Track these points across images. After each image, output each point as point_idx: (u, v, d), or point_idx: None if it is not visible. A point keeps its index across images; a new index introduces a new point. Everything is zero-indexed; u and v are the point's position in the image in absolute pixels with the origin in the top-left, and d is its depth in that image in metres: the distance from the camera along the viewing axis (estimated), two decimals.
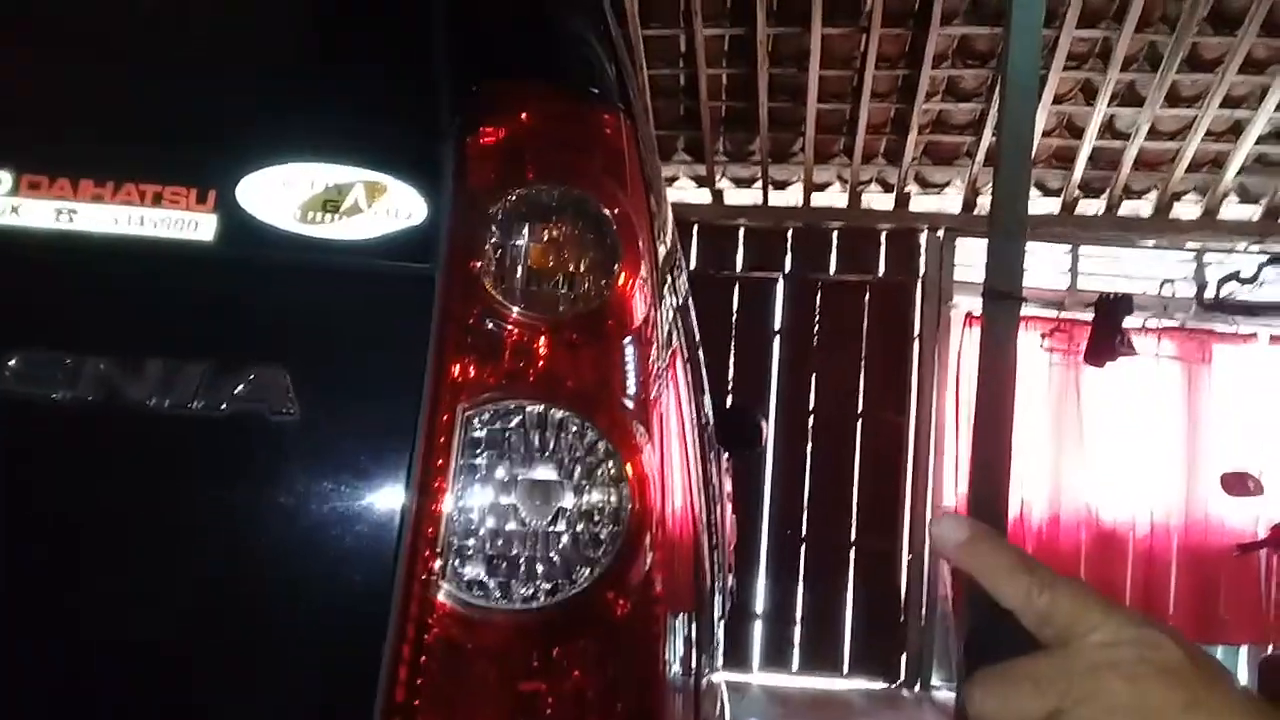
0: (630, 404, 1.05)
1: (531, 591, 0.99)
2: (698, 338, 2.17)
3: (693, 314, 2.32)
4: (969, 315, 6.16)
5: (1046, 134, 6.08)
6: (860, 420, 6.46)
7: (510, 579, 0.98)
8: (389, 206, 1.02)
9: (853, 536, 6.42)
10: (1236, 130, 5.94)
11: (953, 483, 6.20)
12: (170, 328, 0.99)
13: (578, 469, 1.00)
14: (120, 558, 0.97)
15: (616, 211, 1.06)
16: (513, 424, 0.99)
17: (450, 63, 1.08)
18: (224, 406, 0.95)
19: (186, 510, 0.97)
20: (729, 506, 2.37)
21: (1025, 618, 0.54)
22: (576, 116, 1.10)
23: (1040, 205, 6.34)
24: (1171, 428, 6.26)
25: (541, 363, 1.01)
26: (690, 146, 6.41)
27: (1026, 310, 6.06)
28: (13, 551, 0.97)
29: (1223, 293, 5.91)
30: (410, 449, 0.97)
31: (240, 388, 0.95)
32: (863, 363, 6.47)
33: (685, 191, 6.61)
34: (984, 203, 6.10)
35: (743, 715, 5.72)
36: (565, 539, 0.99)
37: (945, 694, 6.14)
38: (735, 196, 6.62)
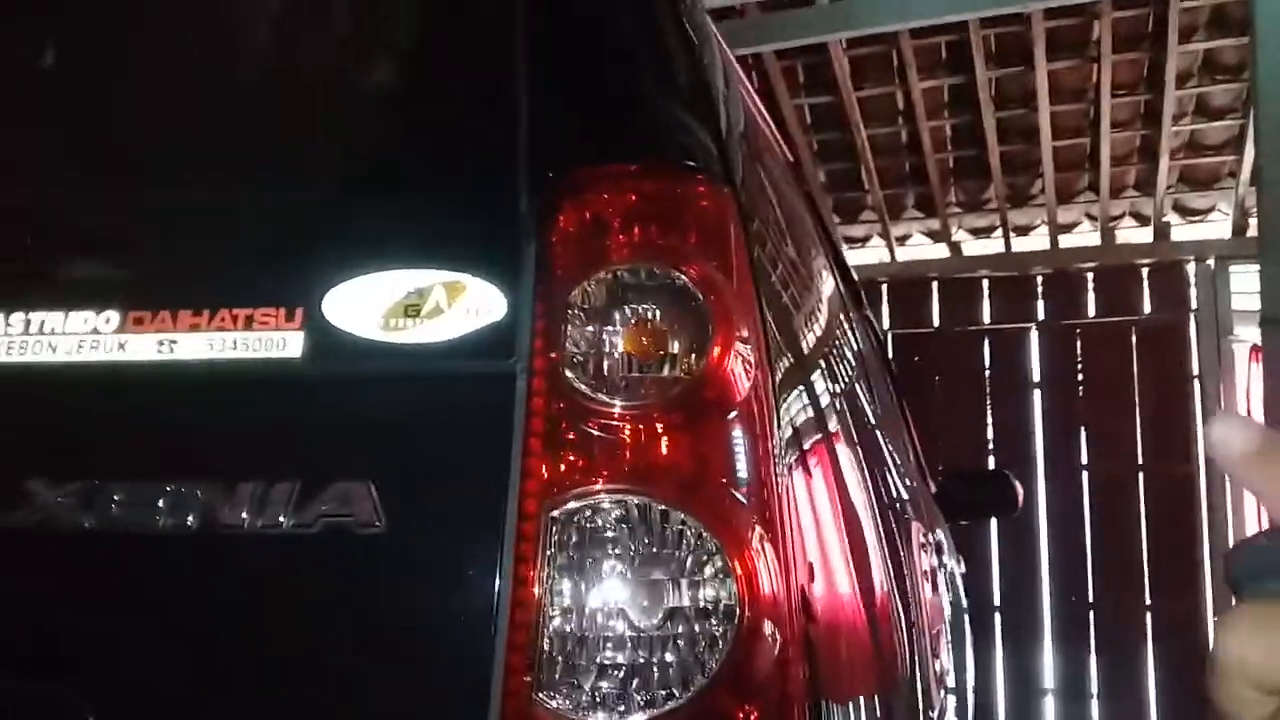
0: (738, 490, 0.97)
1: (638, 700, 0.92)
2: (879, 411, 2.04)
3: (876, 387, 2.18)
4: (1254, 348, 5.58)
5: None
6: (1141, 473, 5.94)
7: (612, 687, 0.92)
8: (469, 305, 1.00)
9: (1147, 599, 5.86)
10: None
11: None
12: (261, 448, 1.01)
13: (676, 565, 0.93)
14: (216, 681, 0.98)
15: (708, 287, 1.00)
16: (601, 521, 0.94)
17: (531, 148, 1.06)
18: (313, 524, 0.95)
19: (279, 631, 0.97)
20: (937, 584, 2.20)
21: None
22: (662, 192, 1.05)
23: None
24: None
25: (630, 453, 0.95)
26: (920, 202, 6.20)
27: None
28: (119, 682, 1.00)
29: None
30: (499, 553, 0.93)
31: (327, 504, 0.95)
32: (1137, 410, 5.96)
33: (920, 248, 6.39)
34: (1257, 225, 5.54)
35: None
36: (667, 642, 0.92)
37: None
38: (974, 247, 6.34)
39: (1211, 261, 5.91)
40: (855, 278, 2.80)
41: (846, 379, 1.69)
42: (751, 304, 1.05)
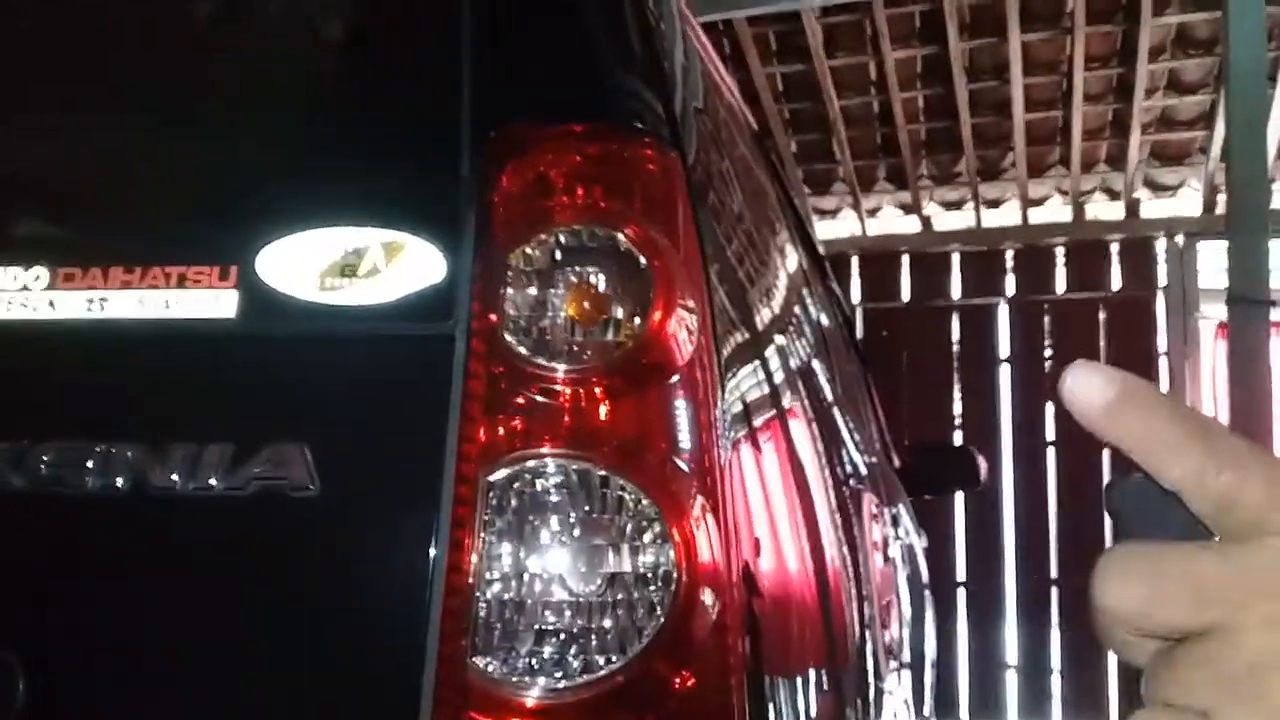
0: (679, 457, 0.96)
1: (575, 665, 0.91)
2: (842, 384, 2.03)
3: (837, 361, 2.18)
4: (1220, 326, 5.62)
5: None
6: (1105, 450, 5.98)
7: (549, 652, 0.91)
8: (408, 266, 0.98)
9: None
10: None
11: None
12: (193, 409, 0.99)
13: (615, 531, 0.92)
14: (147, 642, 0.96)
15: (651, 251, 0.98)
16: (540, 486, 0.92)
17: (474, 108, 1.04)
18: (245, 486, 0.93)
19: (210, 594, 0.96)
20: (893, 558, 2.20)
21: (1196, 503, 0.37)
22: (608, 155, 1.03)
23: None
24: None
25: (570, 418, 0.94)
26: (892, 174, 6.20)
27: None
28: (49, 642, 0.98)
29: None
30: (435, 518, 0.92)
31: (260, 467, 0.93)
32: None
33: (892, 221, 6.39)
34: (1225, 202, 5.57)
35: None
36: (605, 608, 0.91)
37: None
38: (945, 221, 6.34)
39: (1180, 238, 5.95)
40: (822, 251, 2.79)
41: (804, 352, 1.68)
42: (697, 270, 1.03)
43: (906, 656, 2.27)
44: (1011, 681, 6.05)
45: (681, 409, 0.97)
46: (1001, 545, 6.07)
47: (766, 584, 1.13)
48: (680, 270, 1.00)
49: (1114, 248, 6.08)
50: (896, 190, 6.24)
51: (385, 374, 0.99)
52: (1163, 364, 5.94)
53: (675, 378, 0.97)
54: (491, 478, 0.93)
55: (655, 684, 0.92)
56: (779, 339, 1.44)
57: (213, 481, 0.94)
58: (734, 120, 1.68)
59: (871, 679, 1.58)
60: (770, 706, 1.06)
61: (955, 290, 6.27)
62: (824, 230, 6.18)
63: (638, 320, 0.96)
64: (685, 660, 0.93)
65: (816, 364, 1.79)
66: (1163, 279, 5.99)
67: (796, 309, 1.74)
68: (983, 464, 3.37)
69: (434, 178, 1.02)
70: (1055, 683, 5.98)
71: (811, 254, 2.38)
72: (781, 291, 1.63)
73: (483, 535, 0.92)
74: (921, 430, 5.57)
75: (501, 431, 0.94)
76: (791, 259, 1.89)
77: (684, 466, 0.95)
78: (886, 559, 2.04)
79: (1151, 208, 6.06)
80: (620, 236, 0.98)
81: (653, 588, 0.92)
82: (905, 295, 6.32)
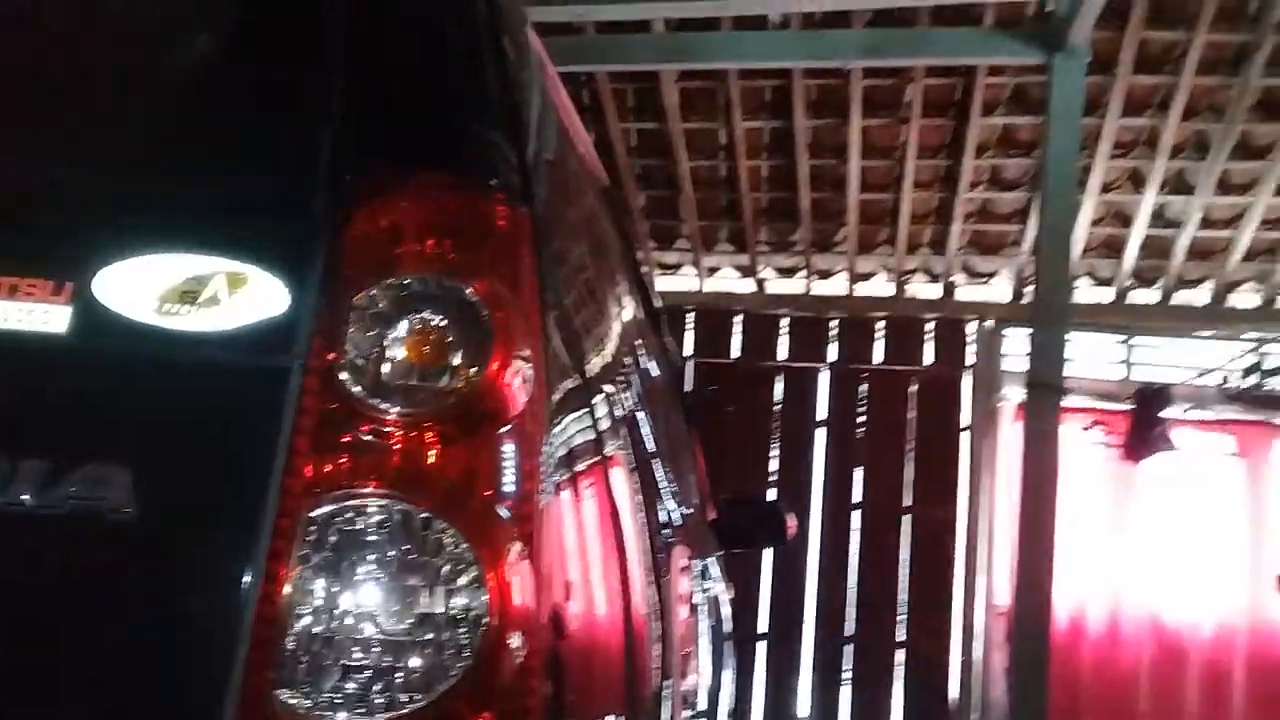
0: (502, 504, 1.00)
1: (379, 702, 0.93)
2: (665, 436, 2.11)
3: (664, 413, 2.26)
4: (1018, 406, 6.00)
5: (1096, 222, 5.97)
6: (907, 516, 6.28)
7: (354, 688, 0.93)
8: (250, 297, 1.00)
9: (901, 637, 6.20)
10: None
11: (1006, 582, 5.97)
12: (13, 422, 0.97)
13: (431, 572, 0.95)
14: None
15: (495, 304, 1.02)
16: (361, 524, 0.95)
17: (334, 149, 1.06)
18: (61, 504, 0.92)
19: (15, 612, 0.94)
20: (699, 610, 2.28)
21: None
22: (460, 207, 1.07)
23: (1092, 295, 6.20)
24: (1233, 525, 5.99)
25: (398, 459, 0.97)
26: (732, 236, 6.41)
27: (1082, 403, 5.95)
28: None
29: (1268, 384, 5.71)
30: (253, 549, 0.93)
31: (77, 486, 0.92)
32: (910, 456, 6.31)
33: (729, 281, 6.59)
34: (1032, 294, 5.98)
35: None
36: (414, 646, 0.94)
37: None
38: (778, 286, 6.58)
39: (990, 323, 6.33)
40: (659, 304, 2.87)
41: (631, 403, 1.74)
42: (536, 325, 1.08)
43: (703, 704, 2.34)
44: None
45: (509, 458, 1.01)
46: (804, 601, 6.28)
47: (574, 630, 1.17)
48: (521, 324, 1.04)
49: (929, 326, 6.43)
50: (735, 252, 6.45)
51: (217, 403, 0.99)
52: (965, 438, 6.29)
53: (506, 428, 1.01)
54: (313, 513, 0.95)
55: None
56: (608, 389, 1.50)
57: (26, 497, 0.92)
58: (583, 172, 1.74)
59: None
60: None
61: (782, 352, 6.50)
62: (664, 284, 6.32)
63: (475, 370, 1.00)
64: (488, 702, 0.96)
65: (642, 415, 1.86)
66: (971, 359, 6.36)
67: (628, 360, 1.80)
68: (791, 521, 3.48)
69: (286, 214, 1.04)
70: None
71: (648, 306, 2.46)
72: (615, 342, 1.69)
73: (299, 569, 0.94)
74: (740, 484, 5.74)
75: (328, 468, 0.96)
76: (628, 310, 1.95)
77: (505, 514, 0.99)
78: (692, 610, 2.11)
79: (966, 292, 6.43)
80: (465, 288, 1.02)
81: (463, 630, 0.95)
82: (735, 353, 6.52)
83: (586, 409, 1.33)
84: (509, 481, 1.01)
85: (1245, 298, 6.14)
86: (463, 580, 0.96)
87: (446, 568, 0.96)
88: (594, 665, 1.27)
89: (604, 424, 1.41)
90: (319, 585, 0.94)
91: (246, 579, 0.93)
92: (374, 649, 0.93)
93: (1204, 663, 5.98)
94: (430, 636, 0.94)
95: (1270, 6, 4.86)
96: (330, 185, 1.04)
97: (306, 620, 0.93)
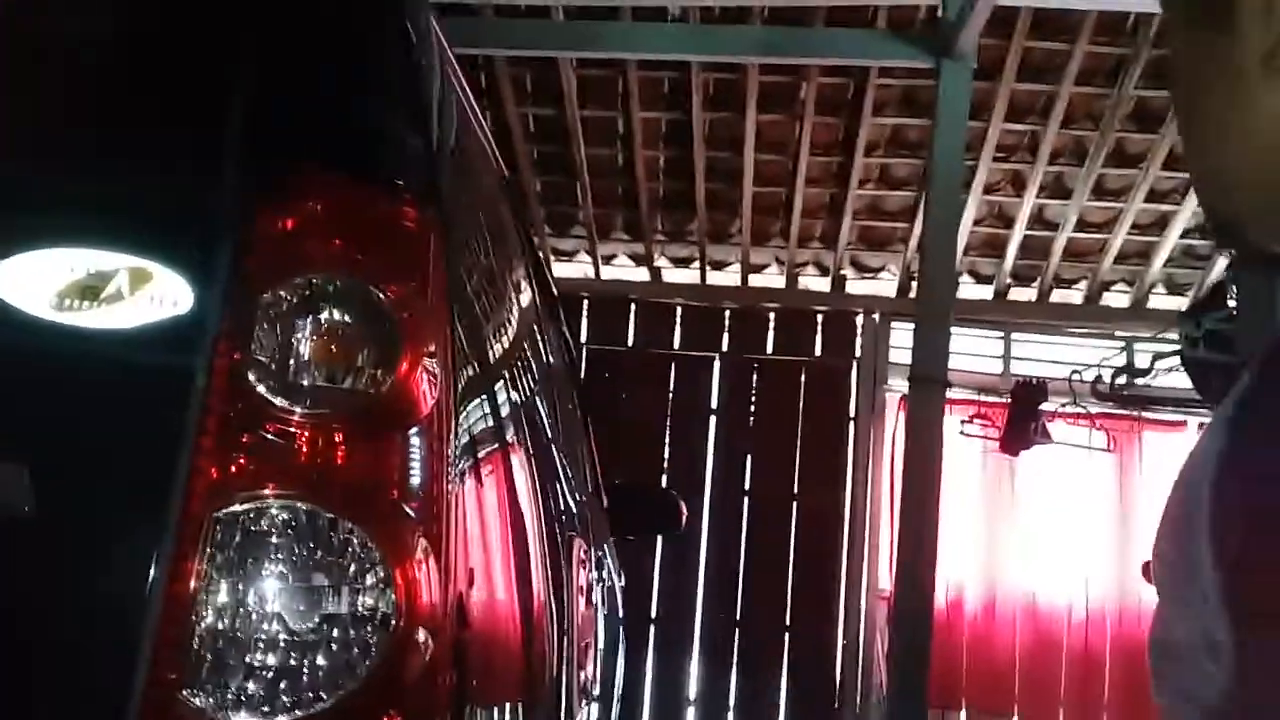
0: (409, 504, 1.01)
1: (284, 702, 0.93)
2: (563, 424, 2.13)
3: (560, 402, 2.28)
4: (902, 399, 6.18)
5: (978, 222, 6.17)
6: (795, 503, 6.43)
7: (259, 688, 0.93)
8: (154, 294, 0.98)
9: (788, 621, 6.34)
10: (1163, 224, 6.06)
11: (888, 567, 6.16)
12: None
13: (337, 572, 0.96)
14: None
15: (402, 305, 1.03)
16: (266, 525, 0.95)
17: (242, 146, 1.05)
18: None
19: None
20: (594, 597, 2.32)
21: None
22: (367, 208, 1.07)
23: (973, 292, 6.42)
24: (1104, 515, 6.29)
25: (304, 460, 0.97)
26: (628, 225, 6.44)
27: (963, 395, 6.16)
28: None
29: (1144, 381, 5.99)
30: (157, 549, 0.92)
31: None
32: (799, 444, 6.45)
33: (624, 269, 6.63)
34: (916, 290, 6.16)
35: None
36: (320, 646, 0.94)
37: None
38: (673, 275, 6.65)
39: (877, 316, 6.50)
40: (556, 291, 2.89)
41: (529, 393, 1.75)
42: (444, 325, 1.09)
43: (598, 691, 2.38)
44: (691, 715, 6.33)
45: (416, 457, 1.02)
46: (694, 585, 6.37)
47: (476, 624, 1.19)
48: (428, 324, 1.05)
49: (820, 318, 6.57)
50: (631, 241, 6.49)
51: (120, 401, 0.98)
52: (852, 427, 6.45)
53: (414, 428, 1.02)
54: (218, 514, 0.94)
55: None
56: (507, 379, 1.51)
57: None
58: (483, 161, 1.74)
59: (564, 714, 1.66)
60: None
61: (676, 341, 6.57)
62: (559, 271, 6.32)
63: (383, 370, 1.01)
64: (396, 701, 0.98)
65: (541, 404, 1.87)
66: (858, 350, 6.52)
67: (526, 349, 1.81)
68: (682, 508, 3.54)
69: (193, 210, 1.02)
70: (730, 717, 6.31)
71: (545, 293, 2.47)
72: (514, 332, 1.70)
73: (204, 570, 0.93)
74: (633, 472, 5.79)
75: (233, 468, 0.96)
76: (526, 299, 1.96)
77: (412, 514, 1.00)
78: (589, 598, 2.14)
79: (855, 286, 6.59)
80: (373, 288, 1.02)
81: (370, 630, 0.96)
82: (630, 341, 6.56)
83: (490, 401, 1.34)
84: (416, 481, 1.02)
85: (1117, 298, 6.43)
86: (369, 580, 0.97)
87: (353, 568, 0.96)
88: (497, 659, 1.29)
89: (506, 415, 1.42)
90: (224, 586, 0.93)
91: (150, 580, 0.92)
92: (280, 649, 0.93)
93: (1075, 644, 6.30)
94: (337, 636, 0.95)
95: (1146, 21, 5.08)
96: (236, 182, 1.03)
97: (211, 621, 0.93)
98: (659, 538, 6.00)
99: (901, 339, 6.40)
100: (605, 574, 2.59)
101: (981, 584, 6.34)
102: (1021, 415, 5.60)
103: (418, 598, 0.98)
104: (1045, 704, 6.33)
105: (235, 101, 1.07)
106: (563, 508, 1.85)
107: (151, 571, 0.92)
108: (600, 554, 2.50)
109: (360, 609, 0.96)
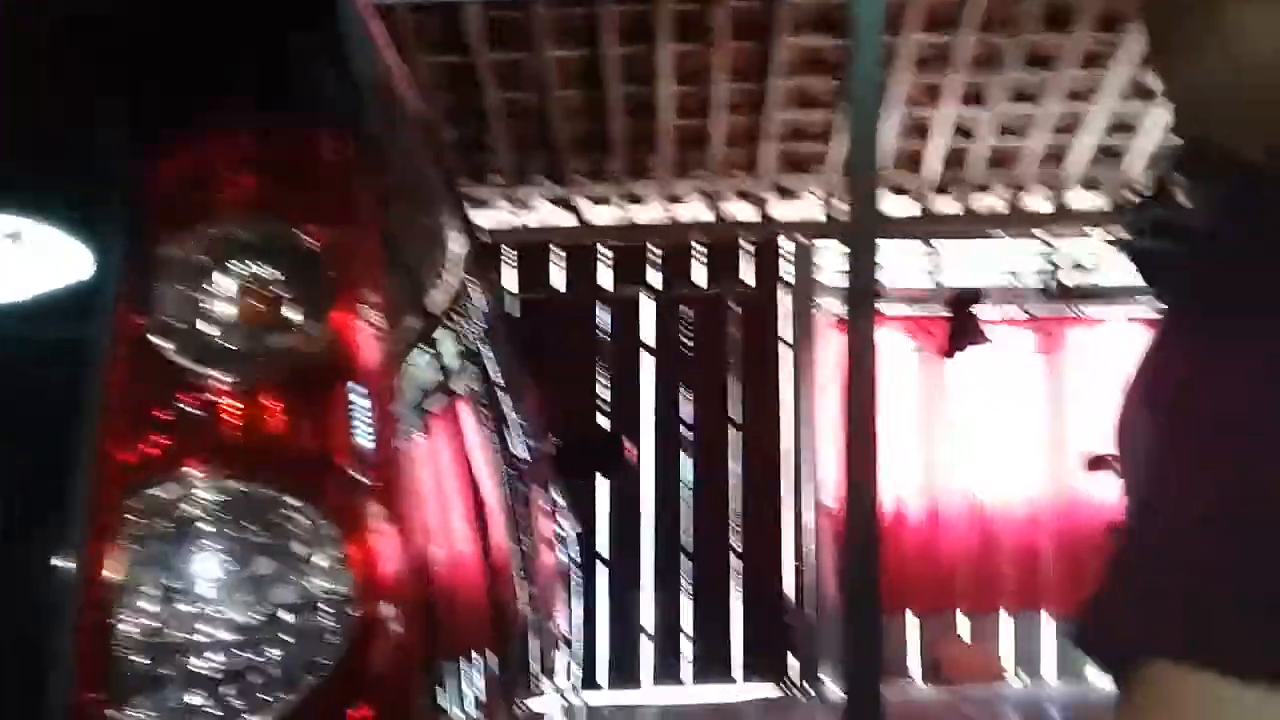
0: (358, 470, 0.90)
1: (236, 705, 0.82)
2: (502, 373, 2.03)
3: (497, 350, 2.18)
4: (836, 318, 6.17)
5: (898, 137, 6.12)
6: (738, 431, 6.41)
7: (206, 696, 0.82)
8: (43, 260, 0.85)
9: (738, 546, 6.36)
10: (1076, 124, 6.07)
11: (832, 485, 6.18)
12: None
13: (285, 556, 0.84)
14: None
15: (330, 248, 0.91)
16: (196, 509, 0.83)
17: (134, 90, 0.92)
18: None
19: None
20: (550, 542, 2.25)
21: None
22: (282, 144, 0.94)
23: (897, 206, 6.39)
24: (1036, 414, 6.40)
25: (231, 431, 0.85)
26: (546, 168, 6.28)
27: (894, 310, 6.17)
28: None
29: (1071, 281, 6.09)
30: (68, 546, 0.80)
31: None
32: (735, 374, 6.42)
33: (544, 214, 6.47)
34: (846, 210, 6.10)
35: None
36: (268, 642, 0.83)
37: (837, 693, 6.10)
38: (596, 216, 6.51)
39: (803, 240, 6.46)
40: (480, 239, 2.77)
41: (474, 339, 1.65)
42: (378, 268, 0.97)
43: (561, 634, 2.31)
44: (647, 645, 6.33)
45: (360, 418, 0.91)
46: (641, 523, 6.35)
47: (443, 591, 1.09)
48: (361, 269, 0.93)
49: (747, 247, 6.50)
50: (550, 184, 6.33)
51: (14, 380, 0.85)
52: (787, 351, 6.43)
53: (355, 385, 0.90)
54: (133, 500, 0.82)
55: (331, 709, 0.86)
56: (452, 327, 1.41)
57: None
58: (403, 106, 1.62)
59: (533, 661, 1.59)
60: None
61: (605, 283, 6.46)
62: (478, 220, 6.15)
63: (314, 323, 0.89)
64: (365, 687, 0.87)
65: (486, 350, 1.77)
66: (789, 276, 6.48)
67: (466, 296, 1.70)
68: (631, 450, 3.48)
69: (81, 163, 0.89)
70: (685, 645, 6.33)
71: (472, 241, 2.36)
72: (452, 279, 1.59)
73: (125, 568, 0.81)
74: (571, 418, 5.70)
75: (149, 447, 0.84)
76: (456, 246, 1.85)
77: (363, 480, 0.89)
78: (546, 542, 2.06)
79: (781, 211, 6.53)
80: (295, 231, 0.90)
81: (327, 615, 0.85)
82: (558, 286, 6.44)
83: (433, 351, 1.24)
84: (363, 444, 0.91)
85: (1038, 202, 6.45)
86: (320, 560, 0.85)
87: (300, 548, 0.85)
88: (463, 616, 1.20)
89: (452, 364, 1.32)
90: (149, 584, 0.81)
91: (63, 584, 0.80)
92: (223, 650, 0.82)
93: (1016, 539, 6.44)
94: (291, 626, 0.84)
95: None
96: (133, 130, 0.90)
97: (137, 625, 0.81)
98: (606, 481, 5.94)
99: (830, 260, 6.38)
100: (558, 517, 2.51)
101: (923, 490, 6.44)
102: (960, 319, 5.70)
103: (376, 574, 0.87)
104: (988, 600, 6.46)
105: (126, 32, 0.93)
106: (516, 454, 1.75)
107: (63, 575, 0.80)
108: (552, 498, 2.41)
109: (314, 593, 0.85)
